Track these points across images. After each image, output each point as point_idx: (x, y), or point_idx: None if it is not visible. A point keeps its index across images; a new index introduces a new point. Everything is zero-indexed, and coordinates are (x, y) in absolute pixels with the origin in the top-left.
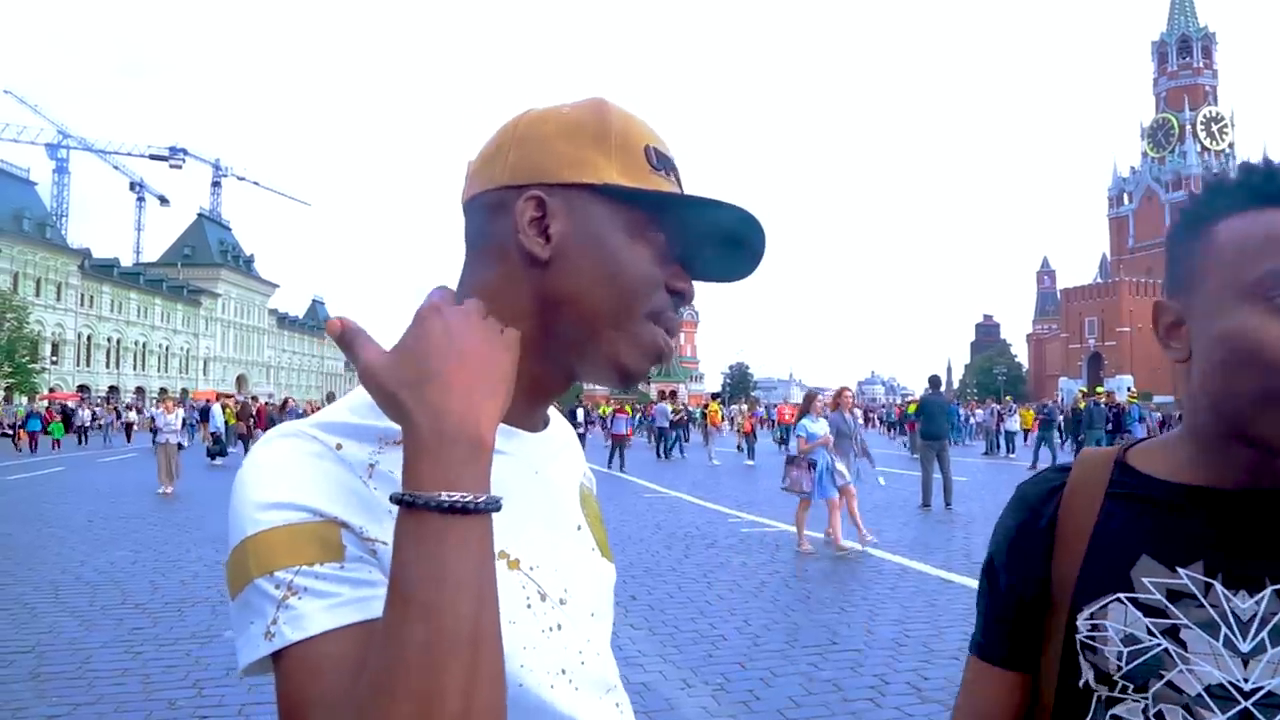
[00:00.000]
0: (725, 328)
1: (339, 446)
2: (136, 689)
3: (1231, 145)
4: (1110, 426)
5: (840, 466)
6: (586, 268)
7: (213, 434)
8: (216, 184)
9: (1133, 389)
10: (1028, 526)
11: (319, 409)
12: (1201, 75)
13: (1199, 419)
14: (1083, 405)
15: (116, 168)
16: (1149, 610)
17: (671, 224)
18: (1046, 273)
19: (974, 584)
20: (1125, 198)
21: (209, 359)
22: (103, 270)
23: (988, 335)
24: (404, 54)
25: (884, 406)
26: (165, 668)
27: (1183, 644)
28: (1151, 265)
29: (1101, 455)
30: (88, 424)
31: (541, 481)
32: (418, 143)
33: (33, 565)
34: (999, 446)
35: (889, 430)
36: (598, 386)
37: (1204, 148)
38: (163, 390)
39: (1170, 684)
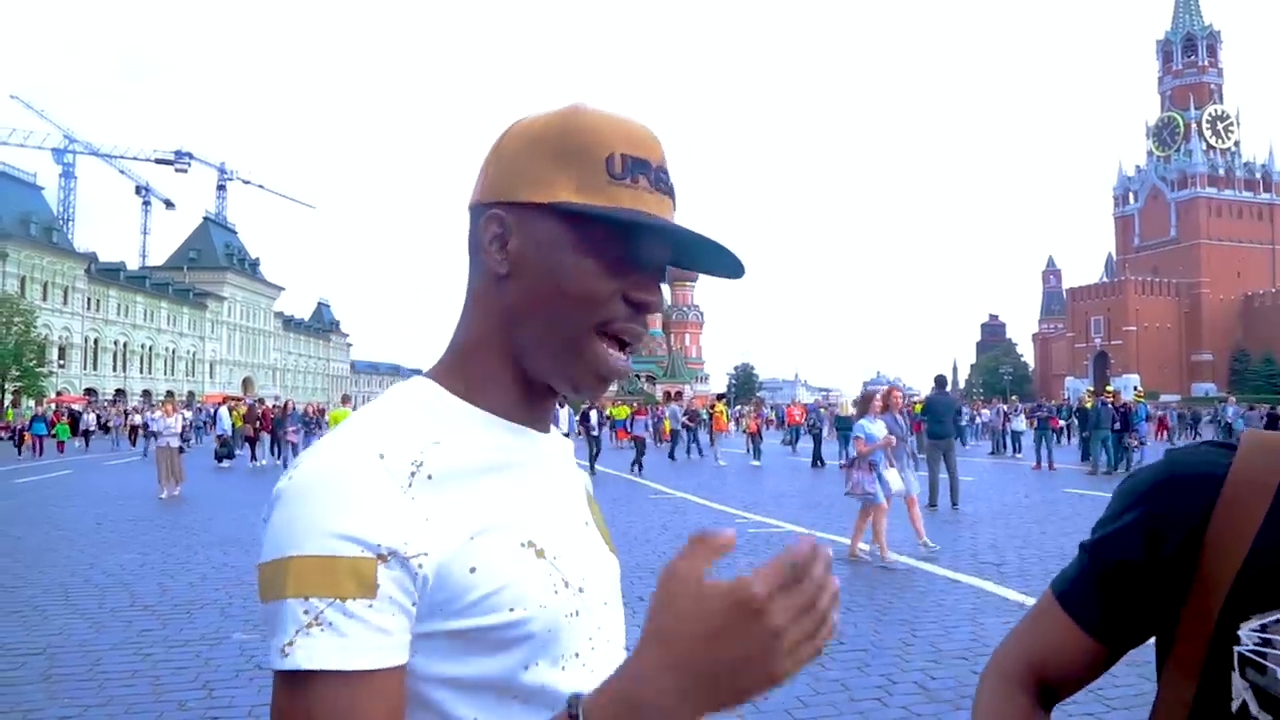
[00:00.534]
0: (730, 329)
1: (382, 456)
2: (146, 691)
3: (1237, 144)
4: (1117, 425)
5: (890, 476)
6: (536, 283)
7: (219, 437)
8: (222, 187)
9: (1139, 388)
10: (1175, 507)
11: (322, 410)
12: (1206, 73)
13: None
14: (1089, 404)
15: (122, 172)
16: None
17: (631, 234)
18: (1052, 272)
19: (980, 584)
20: (1130, 197)
21: (215, 362)
22: (109, 274)
23: (993, 335)
24: (408, 56)
25: None
26: (175, 669)
27: None
28: (1157, 264)
29: (1274, 440)
30: (92, 428)
31: (556, 480)
32: (421, 145)
33: (42, 568)
34: (1005, 446)
35: None
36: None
37: (1209, 146)
38: (169, 393)
39: None
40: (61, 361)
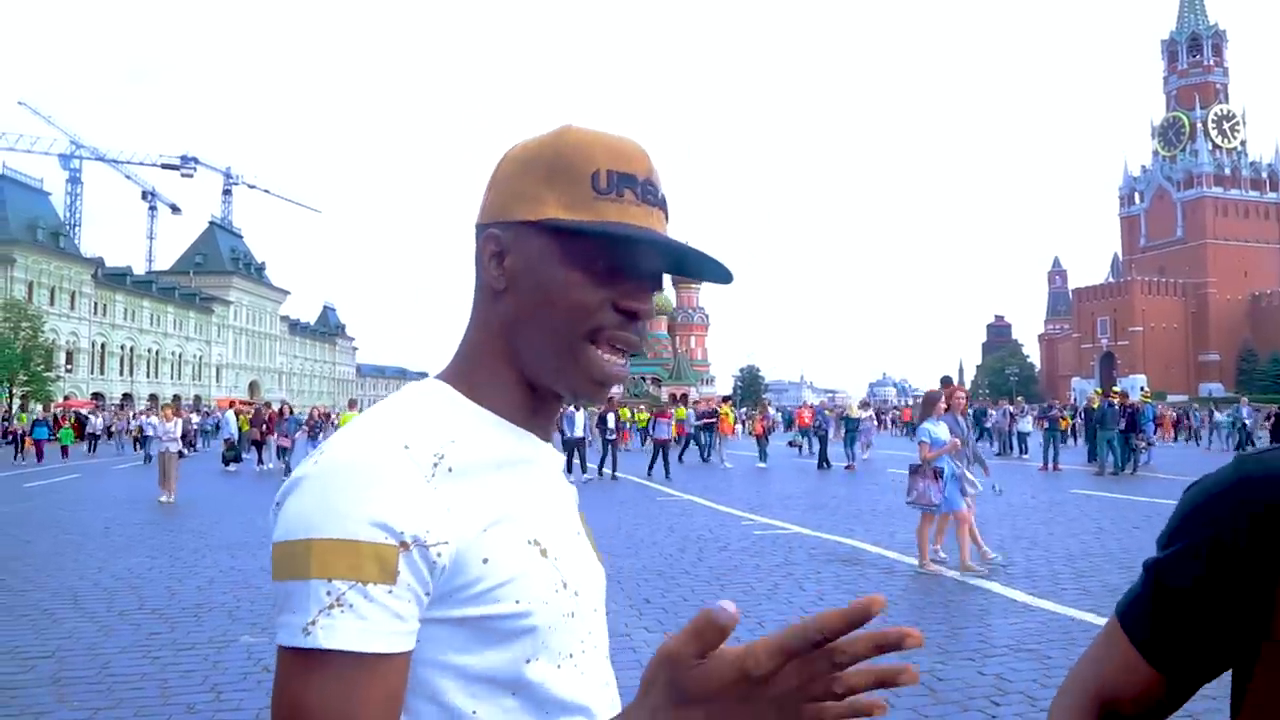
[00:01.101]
0: (736, 331)
1: (407, 447)
2: (155, 694)
3: (1243, 143)
4: (1124, 426)
5: (970, 475)
6: (529, 296)
7: (226, 441)
8: (227, 192)
9: (1146, 388)
10: (1248, 522)
11: (325, 414)
12: (1212, 73)
13: None
14: (1096, 405)
15: (128, 177)
16: None
17: (617, 246)
18: (1058, 272)
19: (987, 585)
20: (1136, 197)
21: (222, 366)
22: (116, 279)
23: (999, 336)
24: (413, 60)
25: (894, 408)
26: (183, 673)
27: None
28: (1164, 264)
29: None
30: (99, 432)
31: (555, 486)
32: (426, 148)
33: (51, 572)
34: (1012, 447)
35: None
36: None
37: (1215, 146)
38: (175, 397)
39: None
40: (69, 366)
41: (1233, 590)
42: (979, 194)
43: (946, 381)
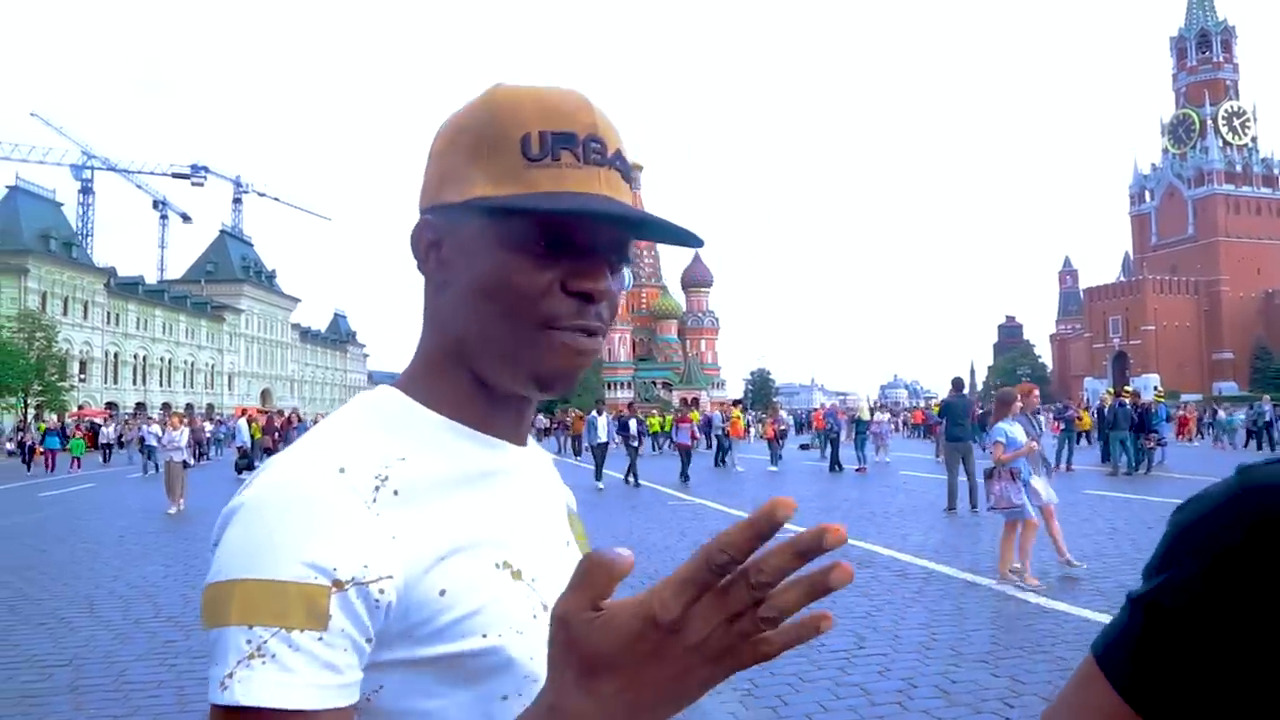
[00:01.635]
0: (746, 334)
1: (343, 470)
2: (171, 701)
3: (1254, 140)
4: (1133, 426)
5: (1038, 483)
6: (469, 287)
7: (239, 448)
8: (238, 200)
9: (1159, 387)
10: (1252, 546)
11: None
12: (1222, 69)
13: None
14: (1108, 405)
15: (140, 187)
16: None
17: (554, 220)
18: (1069, 272)
19: (1000, 587)
20: (1147, 195)
21: (233, 374)
22: (128, 288)
23: (1011, 336)
24: (423, 68)
25: (905, 410)
26: (199, 680)
27: None
28: (1176, 262)
29: None
30: (112, 441)
31: (534, 496)
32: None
33: (67, 580)
34: None
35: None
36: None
37: (1226, 142)
38: (188, 406)
39: None
40: (83, 376)
41: (1238, 621)
42: (989, 194)
43: (958, 384)
